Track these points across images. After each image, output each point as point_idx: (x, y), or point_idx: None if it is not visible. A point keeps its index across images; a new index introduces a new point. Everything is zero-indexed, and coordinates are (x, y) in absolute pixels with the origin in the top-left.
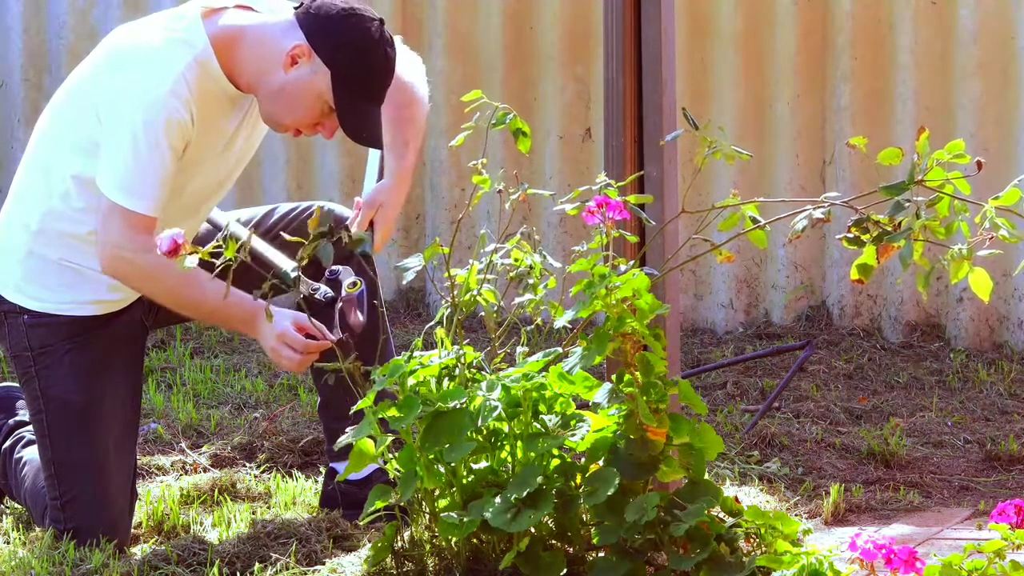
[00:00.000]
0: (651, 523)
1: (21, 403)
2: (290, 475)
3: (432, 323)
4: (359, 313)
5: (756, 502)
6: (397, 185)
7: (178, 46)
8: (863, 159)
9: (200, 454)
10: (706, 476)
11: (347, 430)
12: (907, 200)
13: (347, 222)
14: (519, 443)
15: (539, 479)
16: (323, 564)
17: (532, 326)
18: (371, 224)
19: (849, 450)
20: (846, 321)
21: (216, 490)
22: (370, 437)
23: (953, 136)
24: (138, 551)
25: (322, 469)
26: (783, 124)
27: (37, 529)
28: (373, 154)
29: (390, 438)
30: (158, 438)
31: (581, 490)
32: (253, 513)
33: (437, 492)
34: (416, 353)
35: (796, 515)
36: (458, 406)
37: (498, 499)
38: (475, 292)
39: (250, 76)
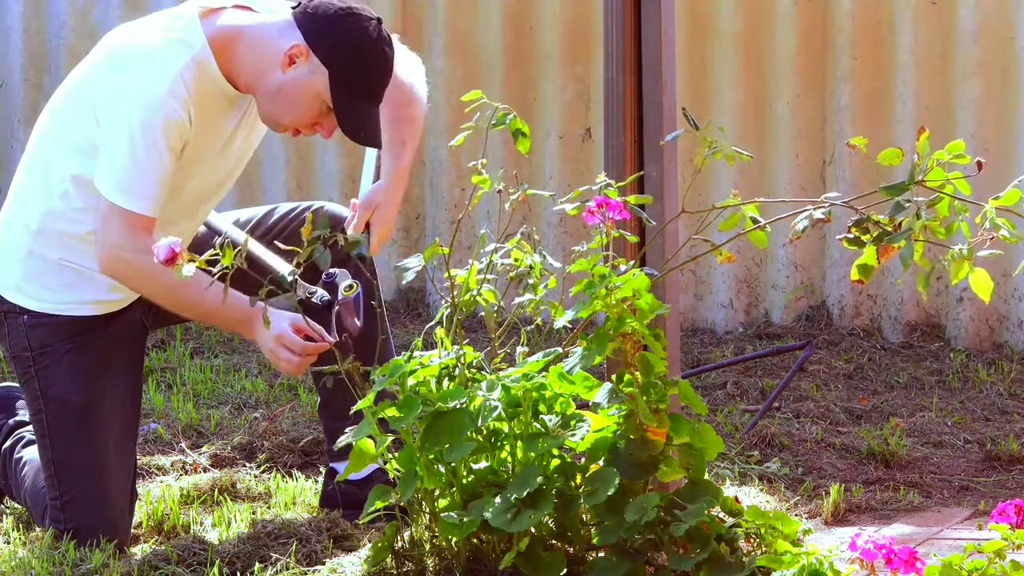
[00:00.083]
0: (651, 523)
1: (21, 403)
2: (290, 475)
3: (432, 323)
4: (356, 316)
5: (756, 502)
6: (393, 185)
7: (176, 46)
8: (863, 159)
9: (200, 454)
10: (706, 476)
11: (347, 430)
12: (907, 200)
13: (344, 224)
14: (519, 443)
15: (539, 479)
16: (323, 564)
17: (532, 326)
18: (367, 226)
19: (849, 450)
20: (846, 321)
21: (216, 490)
22: (370, 437)
23: (953, 136)
24: (138, 551)
25: (322, 469)
26: (783, 124)
27: (37, 529)
28: (370, 154)
29: (390, 438)
30: (158, 438)
31: (581, 490)
32: (253, 513)
33: (437, 492)
34: (416, 353)
35: (796, 515)
36: (458, 406)
37: (498, 499)
38: (475, 292)
39: (248, 76)
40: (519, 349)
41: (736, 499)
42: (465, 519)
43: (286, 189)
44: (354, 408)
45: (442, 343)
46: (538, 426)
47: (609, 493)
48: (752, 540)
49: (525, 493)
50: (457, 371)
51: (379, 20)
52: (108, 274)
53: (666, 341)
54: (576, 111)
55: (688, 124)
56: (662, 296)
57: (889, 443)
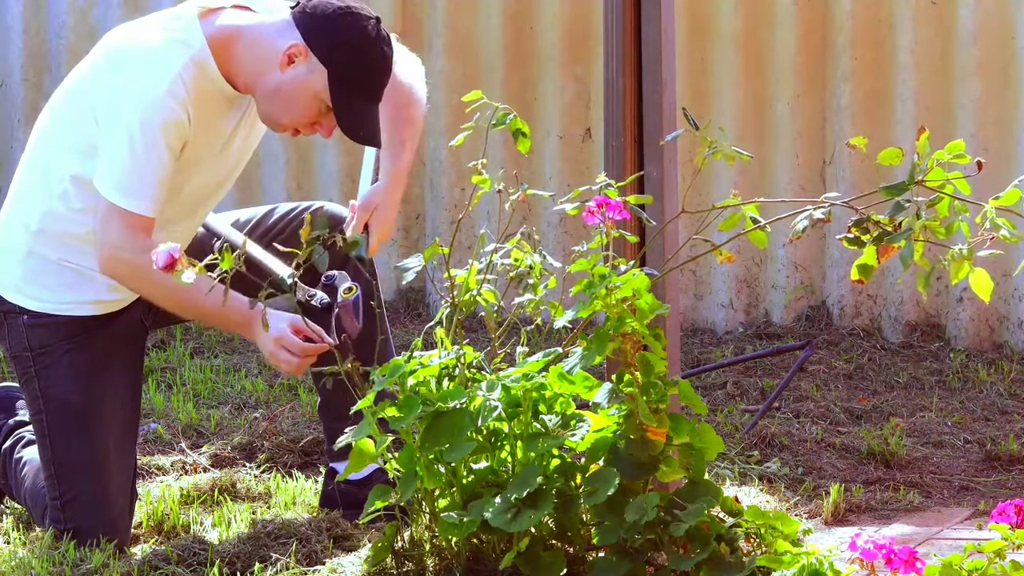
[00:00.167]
0: (651, 523)
1: (21, 403)
2: (290, 475)
3: (432, 323)
4: (355, 319)
5: (756, 502)
6: (392, 186)
7: (175, 46)
8: (863, 159)
9: (200, 454)
10: (706, 476)
11: (347, 430)
12: (907, 200)
13: (343, 225)
14: (519, 443)
15: (539, 479)
16: (323, 564)
17: (532, 326)
18: (366, 226)
19: (849, 450)
20: (846, 321)
21: (216, 490)
22: (370, 437)
23: (953, 136)
24: (138, 551)
25: (322, 469)
26: (783, 124)
27: (37, 529)
28: (369, 154)
29: (390, 438)
30: (158, 438)
31: (581, 490)
32: (253, 513)
33: (437, 492)
34: (416, 353)
35: (796, 515)
36: (458, 406)
37: (498, 499)
38: (475, 292)
39: (247, 76)
40: (519, 349)
41: (736, 499)
42: (465, 519)
43: (286, 189)
44: (354, 408)
45: (442, 343)
46: (538, 426)
47: (609, 493)
48: (752, 540)
49: (525, 493)
50: (457, 371)
51: (378, 19)
52: (108, 274)
53: (666, 341)
54: (576, 111)
55: (688, 124)
56: (662, 296)
57: (889, 443)
